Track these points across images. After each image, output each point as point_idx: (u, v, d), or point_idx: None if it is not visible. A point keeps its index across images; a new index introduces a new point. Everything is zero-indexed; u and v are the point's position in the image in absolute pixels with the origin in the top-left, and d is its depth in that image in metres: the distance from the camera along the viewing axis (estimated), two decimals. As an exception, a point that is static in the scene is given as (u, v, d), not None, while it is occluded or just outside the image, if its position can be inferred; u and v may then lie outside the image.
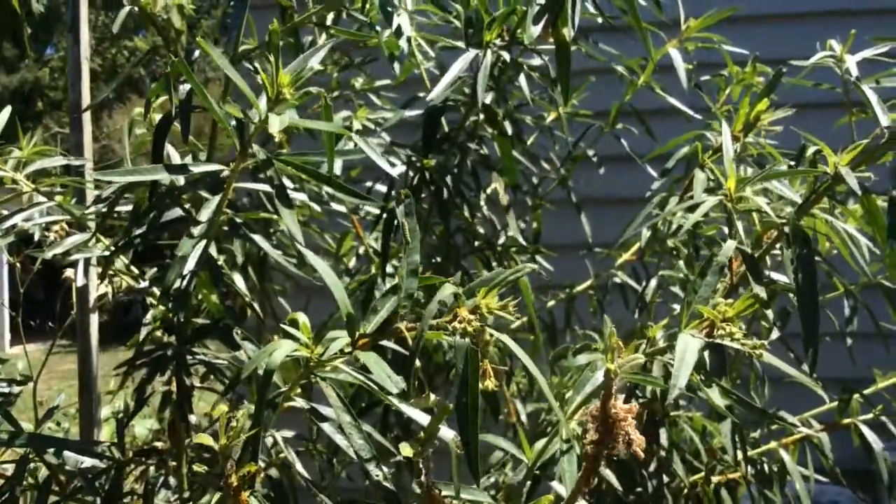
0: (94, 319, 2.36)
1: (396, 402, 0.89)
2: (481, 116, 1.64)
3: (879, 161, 1.26)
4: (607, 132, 2.11)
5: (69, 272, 2.35)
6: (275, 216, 1.29)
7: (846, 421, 1.60)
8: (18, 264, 1.97)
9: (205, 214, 1.05)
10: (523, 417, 1.67)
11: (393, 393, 0.77)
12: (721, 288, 1.29)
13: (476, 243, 1.74)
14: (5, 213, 2.15)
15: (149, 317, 1.70)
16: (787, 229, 1.15)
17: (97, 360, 2.36)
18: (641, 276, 2.07)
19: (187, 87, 1.29)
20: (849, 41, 1.73)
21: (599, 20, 1.76)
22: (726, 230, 1.65)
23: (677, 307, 1.91)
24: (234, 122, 1.08)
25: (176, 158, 1.38)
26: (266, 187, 1.14)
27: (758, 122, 1.55)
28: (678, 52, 2.01)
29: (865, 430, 1.56)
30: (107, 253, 1.44)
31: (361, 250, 1.85)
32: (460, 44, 1.56)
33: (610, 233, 2.34)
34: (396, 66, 1.68)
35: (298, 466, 1.07)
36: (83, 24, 2.29)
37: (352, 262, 1.87)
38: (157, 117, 1.58)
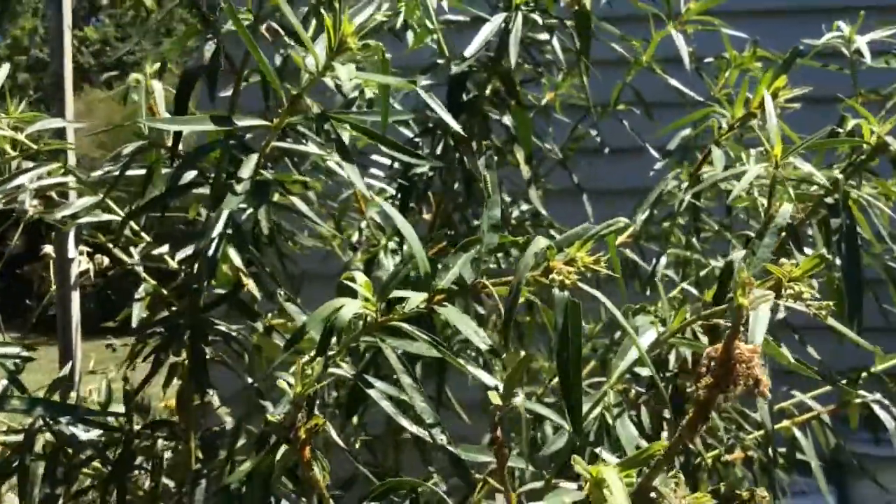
0: (76, 295, 2.29)
1: (464, 364, 0.86)
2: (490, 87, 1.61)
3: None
4: (609, 116, 2.11)
5: (48, 248, 2.27)
6: (305, 179, 1.25)
7: (856, 400, 1.60)
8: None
9: (246, 171, 1.01)
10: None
11: (482, 349, 0.74)
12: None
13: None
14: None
15: (141, 290, 1.64)
16: (829, 200, 1.15)
17: (78, 335, 2.29)
18: (637, 258, 2.07)
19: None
20: (858, 24, 1.75)
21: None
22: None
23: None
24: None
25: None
26: (301, 147, 1.09)
27: (775, 99, 1.54)
28: (679, 34, 2.01)
29: (877, 408, 1.56)
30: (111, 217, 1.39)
31: (364, 224, 1.81)
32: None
33: (601, 220, 2.33)
34: (410, 34, 1.65)
35: (332, 433, 1.04)
36: (65, -8, 2.21)
37: (354, 237, 1.82)
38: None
